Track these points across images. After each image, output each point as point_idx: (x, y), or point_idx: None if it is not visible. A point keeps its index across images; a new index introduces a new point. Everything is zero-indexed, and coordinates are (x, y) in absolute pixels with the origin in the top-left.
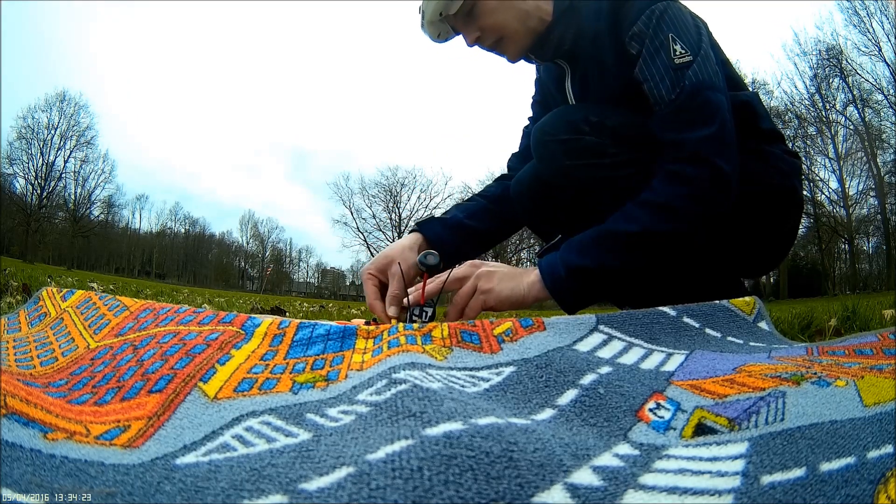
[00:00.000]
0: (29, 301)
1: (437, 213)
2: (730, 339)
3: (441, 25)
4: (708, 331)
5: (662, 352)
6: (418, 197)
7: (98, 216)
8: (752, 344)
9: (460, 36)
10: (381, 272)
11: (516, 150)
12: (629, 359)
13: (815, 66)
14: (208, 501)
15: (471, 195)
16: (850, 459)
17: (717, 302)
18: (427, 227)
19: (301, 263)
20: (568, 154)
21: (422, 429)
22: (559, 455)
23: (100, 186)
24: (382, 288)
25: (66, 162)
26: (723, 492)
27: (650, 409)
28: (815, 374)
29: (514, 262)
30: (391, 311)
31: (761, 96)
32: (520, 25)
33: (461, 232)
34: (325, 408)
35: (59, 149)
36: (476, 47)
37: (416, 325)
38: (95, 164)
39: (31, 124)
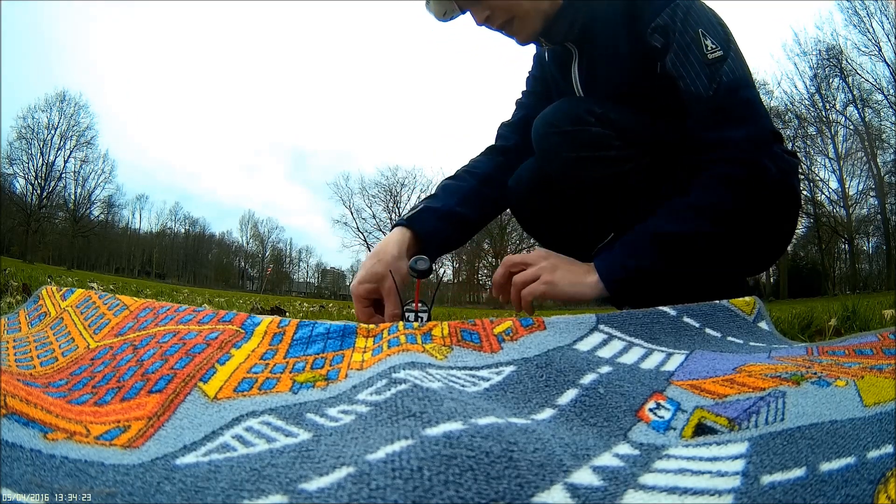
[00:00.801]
0: (28, 300)
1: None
2: (730, 339)
3: (447, 3)
4: (708, 331)
5: (662, 351)
6: (418, 197)
7: (98, 216)
8: (752, 344)
9: (467, 15)
10: (373, 290)
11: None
12: (629, 358)
13: (815, 66)
14: (208, 501)
15: (458, 170)
16: (850, 459)
17: (718, 302)
18: (418, 222)
19: (301, 263)
20: (572, 146)
21: (422, 429)
22: (559, 455)
23: (100, 186)
24: (375, 304)
25: (66, 162)
26: (723, 492)
27: (650, 409)
28: (815, 374)
29: None
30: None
31: (761, 96)
32: (531, 6)
33: (452, 221)
34: (325, 407)
35: (59, 149)
36: (484, 27)
37: (416, 325)
38: (95, 164)
39: (31, 124)
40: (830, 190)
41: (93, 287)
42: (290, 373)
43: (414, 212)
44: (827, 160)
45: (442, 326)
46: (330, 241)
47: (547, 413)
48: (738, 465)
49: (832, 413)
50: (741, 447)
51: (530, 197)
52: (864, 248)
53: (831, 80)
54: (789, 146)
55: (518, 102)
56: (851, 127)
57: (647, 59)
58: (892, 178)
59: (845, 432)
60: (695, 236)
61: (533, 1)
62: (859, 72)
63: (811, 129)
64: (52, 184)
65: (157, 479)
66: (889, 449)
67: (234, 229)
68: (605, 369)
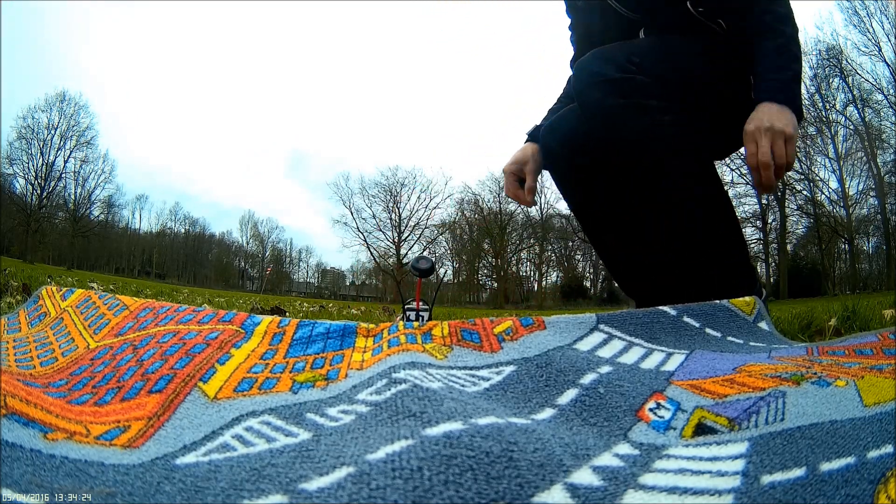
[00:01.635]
0: (28, 300)
1: (438, 213)
2: (730, 338)
3: None
4: (708, 330)
5: (662, 351)
6: (418, 197)
7: (98, 216)
8: (752, 344)
9: None
10: (519, 169)
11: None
12: (629, 358)
13: (815, 66)
14: (208, 501)
15: (557, 101)
16: (850, 459)
17: (718, 302)
18: (533, 136)
19: (301, 263)
20: (614, 94)
21: (422, 429)
22: (559, 455)
23: (100, 186)
24: (518, 181)
25: (66, 162)
26: (723, 492)
27: (650, 409)
28: (815, 374)
29: (513, 262)
30: (529, 197)
31: None
32: None
33: None
34: (325, 407)
35: (59, 149)
36: None
37: (416, 324)
38: (95, 164)
39: (31, 124)
40: (830, 190)
41: (93, 287)
42: (290, 373)
43: (532, 129)
44: (827, 160)
45: (442, 326)
46: (330, 241)
47: (547, 413)
48: (738, 464)
49: (832, 413)
50: (741, 447)
51: (564, 146)
52: (864, 248)
53: (831, 80)
54: None
55: (571, 40)
56: (851, 127)
57: None
58: (892, 178)
59: (845, 432)
60: (794, 37)
61: None
62: (859, 72)
63: (811, 129)
64: (52, 184)
65: (157, 479)
66: (889, 449)
67: (234, 229)
68: (605, 369)
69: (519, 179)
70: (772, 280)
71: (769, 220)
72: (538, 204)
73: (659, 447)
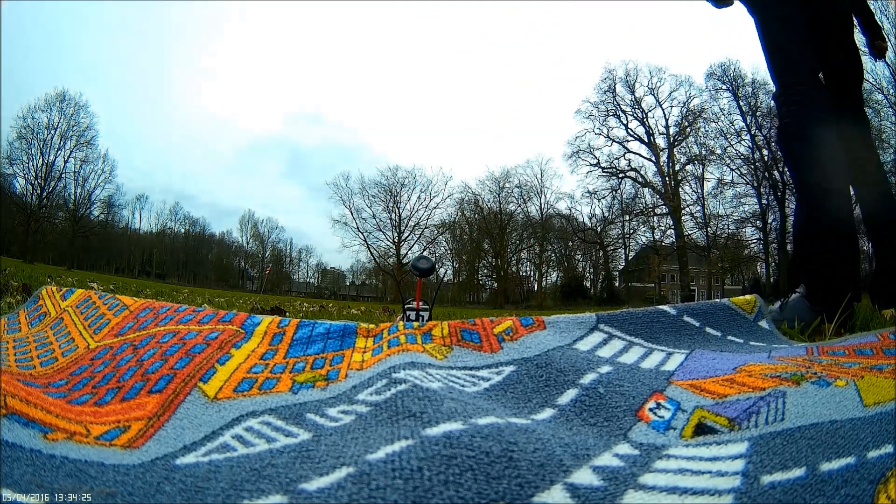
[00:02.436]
0: (28, 300)
1: (438, 213)
2: (730, 338)
3: None
4: (708, 329)
5: (662, 351)
6: (418, 197)
7: (98, 216)
8: (752, 343)
9: None
10: None
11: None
12: (629, 358)
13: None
14: (208, 502)
15: None
16: (850, 459)
17: (718, 301)
18: None
19: (301, 263)
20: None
21: (422, 429)
22: (559, 455)
23: (100, 186)
24: None
25: (66, 162)
26: (723, 492)
27: (650, 409)
28: (815, 373)
29: (513, 261)
30: None
31: (761, 96)
32: None
33: None
34: (325, 408)
35: (59, 149)
36: None
37: (416, 324)
38: (95, 164)
39: (31, 124)
40: None
41: (93, 287)
42: (290, 373)
43: None
44: None
45: (442, 326)
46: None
47: (547, 413)
48: (738, 464)
49: (832, 413)
50: (741, 447)
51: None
52: (864, 247)
53: None
54: None
55: None
56: None
57: None
58: (893, 177)
59: (845, 432)
60: None
61: None
62: None
63: None
64: (52, 184)
65: (157, 479)
66: (889, 449)
67: (234, 229)
68: (605, 369)
69: None
70: (772, 280)
71: (769, 220)
72: (538, 204)
73: (659, 447)
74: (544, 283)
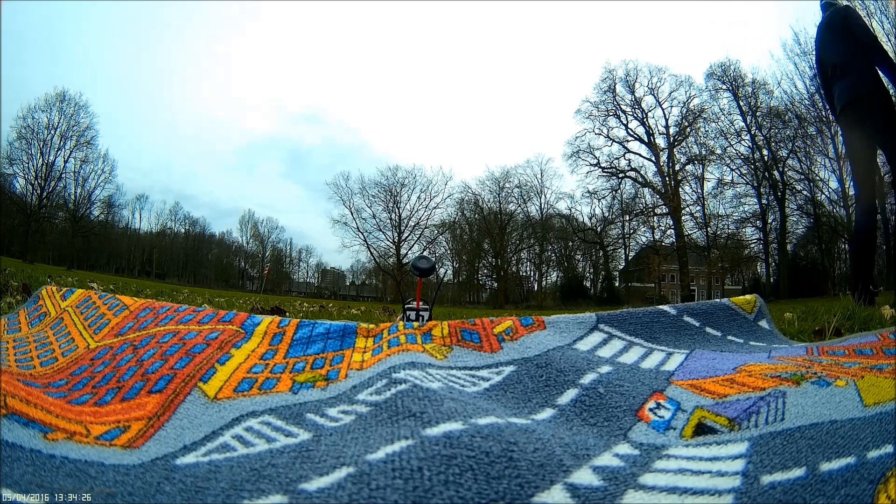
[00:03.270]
0: (28, 300)
1: (438, 213)
2: (730, 337)
3: None
4: (708, 329)
5: (662, 351)
6: (418, 197)
7: (98, 216)
8: (752, 343)
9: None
10: None
11: None
12: (629, 358)
13: (815, 65)
14: (208, 502)
15: None
16: (850, 459)
17: (718, 301)
18: None
19: (301, 263)
20: None
21: (422, 429)
22: (559, 455)
23: (100, 186)
24: None
25: (66, 162)
26: (723, 491)
27: (650, 409)
28: (815, 373)
29: (513, 261)
30: None
31: (761, 96)
32: None
33: None
34: (325, 408)
35: (59, 149)
36: None
37: (416, 324)
38: (95, 164)
39: (31, 124)
40: (830, 190)
41: (93, 287)
42: (290, 373)
43: None
44: (827, 160)
45: (442, 326)
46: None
47: (547, 413)
48: (738, 464)
49: (832, 413)
50: (741, 447)
51: None
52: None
53: None
54: (789, 146)
55: None
56: None
57: None
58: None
59: (845, 432)
60: None
61: None
62: None
63: (811, 129)
64: (52, 184)
65: (157, 479)
66: (889, 449)
67: (234, 229)
68: (605, 369)
69: None
70: (772, 280)
71: (769, 220)
72: (538, 204)
73: (659, 447)
74: (544, 283)
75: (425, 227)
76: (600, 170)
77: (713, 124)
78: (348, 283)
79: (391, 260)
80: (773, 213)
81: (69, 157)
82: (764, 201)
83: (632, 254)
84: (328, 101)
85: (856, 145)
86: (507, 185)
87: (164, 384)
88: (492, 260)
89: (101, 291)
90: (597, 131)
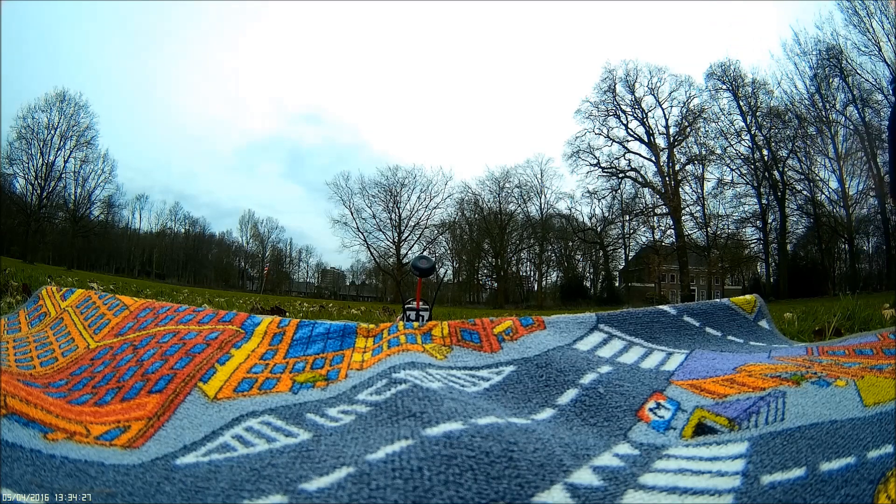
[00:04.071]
0: (28, 300)
1: (438, 213)
2: (730, 337)
3: None
4: (708, 329)
5: (662, 351)
6: (418, 197)
7: (98, 216)
8: (752, 343)
9: None
10: None
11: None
12: (629, 358)
13: (815, 66)
14: (208, 501)
15: None
16: (850, 459)
17: (718, 301)
18: None
19: (301, 263)
20: None
21: (422, 429)
22: (559, 455)
23: (100, 186)
24: None
25: (66, 162)
26: (723, 491)
27: (650, 409)
28: (815, 373)
29: (513, 261)
30: None
31: (761, 96)
32: None
33: None
34: (325, 408)
35: (59, 149)
36: None
37: (416, 324)
38: (95, 164)
39: (31, 124)
40: (830, 190)
41: (93, 287)
42: (290, 373)
43: None
44: (827, 160)
45: (442, 326)
46: (330, 241)
47: (547, 413)
48: (738, 464)
49: (832, 413)
50: (741, 447)
51: None
52: (864, 248)
53: (831, 79)
54: (789, 146)
55: None
56: (851, 127)
57: None
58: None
59: (845, 432)
60: None
61: None
62: (859, 72)
63: (811, 129)
64: (52, 184)
65: (157, 479)
66: (889, 449)
67: (234, 229)
68: (605, 369)
69: None
70: (772, 280)
71: (769, 220)
72: (538, 204)
73: (659, 447)
74: (544, 283)
75: (425, 227)
76: (600, 170)
77: (713, 124)
78: (348, 283)
79: (391, 260)
80: (773, 213)
81: (69, 157)
82: (764, 201)
83: (632, 254)
84: (328, 101)
85: None
86: (507, 185)
87: (164, 384)
88: (492, 260)
89: (101, 291)
90: (597, 131)
